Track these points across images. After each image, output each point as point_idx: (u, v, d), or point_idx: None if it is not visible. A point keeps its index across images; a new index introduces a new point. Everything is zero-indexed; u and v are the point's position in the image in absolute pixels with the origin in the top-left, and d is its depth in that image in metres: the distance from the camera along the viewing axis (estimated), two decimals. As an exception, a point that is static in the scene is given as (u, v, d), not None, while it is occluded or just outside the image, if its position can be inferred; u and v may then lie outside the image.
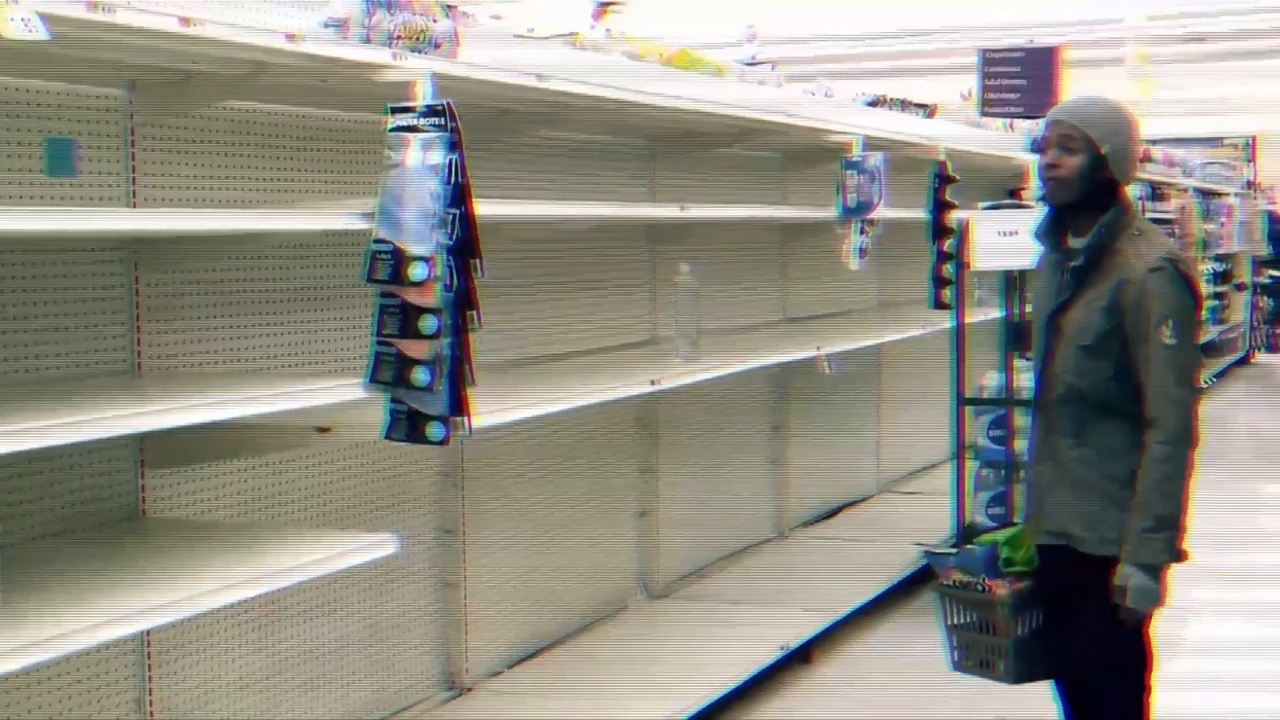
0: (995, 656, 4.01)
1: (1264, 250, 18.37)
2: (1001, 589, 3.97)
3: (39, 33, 2.54)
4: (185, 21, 2.89)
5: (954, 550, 4.33)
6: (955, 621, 4.09)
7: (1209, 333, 15.08)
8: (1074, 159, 3.68)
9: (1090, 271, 3.68)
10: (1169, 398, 3.57)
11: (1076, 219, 3.74)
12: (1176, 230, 13.34)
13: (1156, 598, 3.60)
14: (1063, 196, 3.71)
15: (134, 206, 3.55)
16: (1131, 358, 3.63)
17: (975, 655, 4.05)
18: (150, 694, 3.67)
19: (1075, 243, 3.73)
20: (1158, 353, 3.57)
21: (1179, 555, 3.62)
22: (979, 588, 3.96)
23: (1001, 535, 4.07)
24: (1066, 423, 3.73)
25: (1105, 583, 3.62)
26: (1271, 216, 19.15)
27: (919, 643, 6.02)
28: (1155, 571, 3.58)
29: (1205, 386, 14.32)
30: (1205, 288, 14.65)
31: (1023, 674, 4.01)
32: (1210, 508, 9.36)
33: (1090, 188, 3.68)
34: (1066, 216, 3.77)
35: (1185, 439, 3.59)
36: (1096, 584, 3.65)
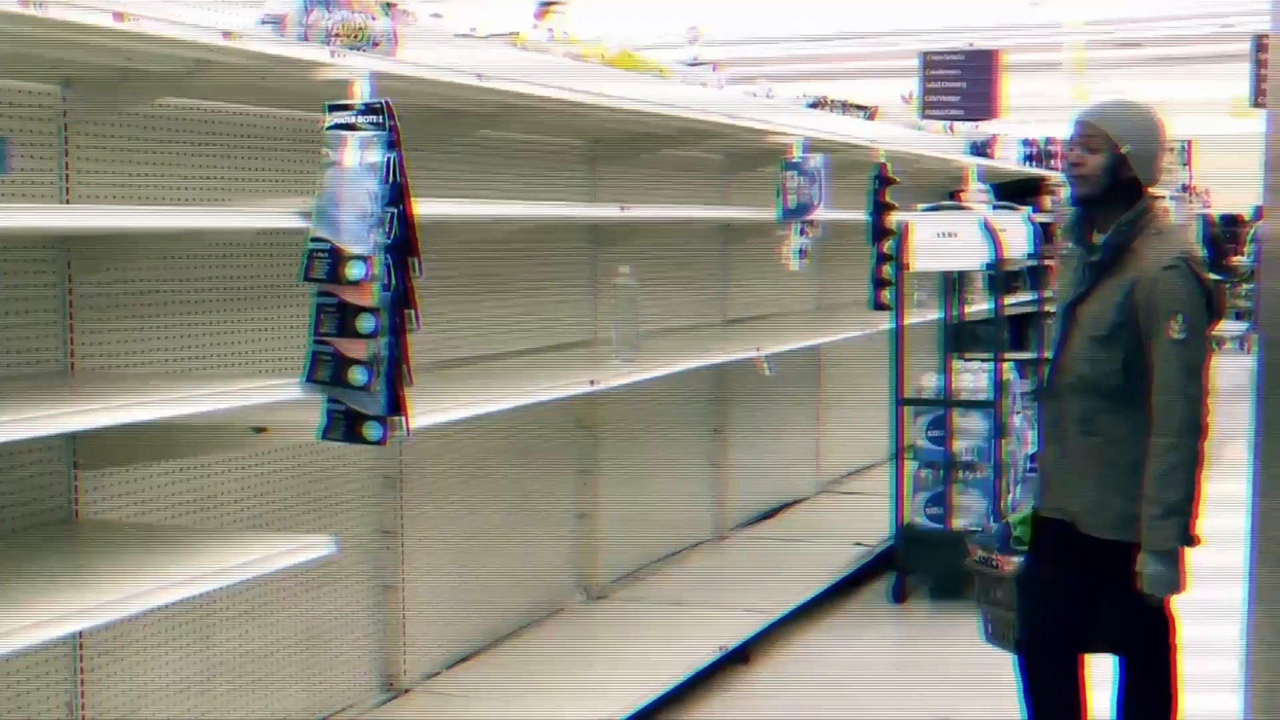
0: (1009, 629, 4.22)
1: (1199, 254, 18.57)
2: (1010, 565, 4.30)
3: (-30, 27, 2.51)
4: (119, 17, 2.86)
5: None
6: (984, 597, 4.38)
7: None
8: (1095, 157, 3.86)
9: (1109, 266, 3.86)
10: (1176, 391, 3.72)
11: (1101, 216, 3.91)
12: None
13: (1173, 582, 3.79)
14: (1085, 192, 3.91)
15: (67, 204, 3.51)
16: (1143, 351, 3.79)
17: (997, 628, 4.32)
18: (82, 696, 3.63)
19: (1098, 239, 3.91)
20: (1166, 347, 3.74)
21: (1191, 540, 3.78)
22: (992, 563, 4.18)
23: (1016, 516, 4.39)
24: (1076, 410, 3.91)
25: (1110, 565, 3.83)
26: (1206, 220, 19.38)
27: (857, 643, 6.06)
28: (1169, 557, 3.76)
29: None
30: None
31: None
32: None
33: (1111, 185, 3.86)
34: (1093, 213, 3.94)
35: (1191, 431, 3.73)
36: (1103, 566, 3.86)
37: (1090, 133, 3.89)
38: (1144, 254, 3.81)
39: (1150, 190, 3.95)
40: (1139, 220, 3.86)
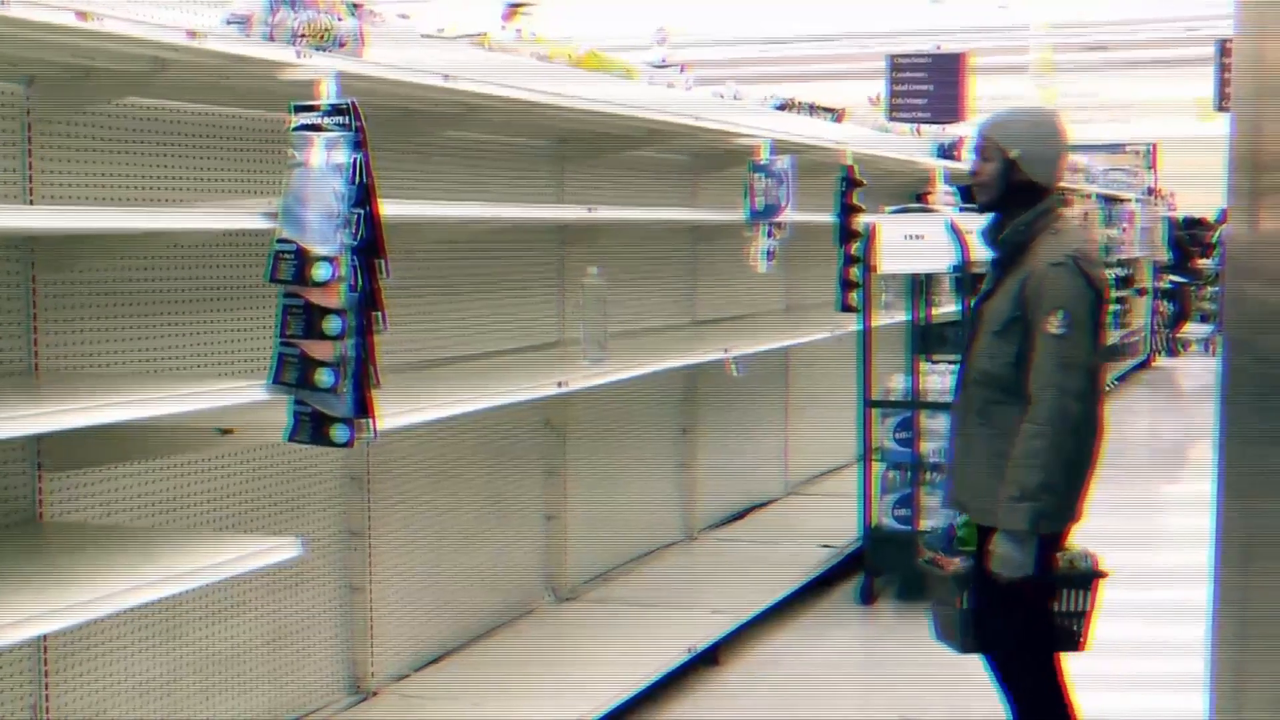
0: (954, 627, 4.27)
1: (1165, 256, 18.69)
2: (952, 565, 4.40)
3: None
4: (83, 16, 2.84)
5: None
6: (931, 595, 4.47)
7: (1109, 337, 15.31)
8: (989, 165, 4.05)
9: (1008, 265, 4.02)
10: (1047, 383, 3.83)
11: (1008, 219, 4.06)
12: (1079, 235, 13.52)
13: (1021, 564, 3.83)
14: (982, 199, 4.10)
15: (31, 204, 3.49)
16: (1030, 345, 3.90)
17: (944, 627, 4.38)
18: (46, 699, 3.61)
19: (1002, 239, 4.09)
20: (1044, 341, 3.85)
21: (1041, 528, 3.82)
22: (937, 564, 4.28)
23: (961, 518, 4.50)
24: (975, 403, 4.05)
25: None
26: (1171, 223, 19.49)
27: (826, 644, 6.07)
28: (1020, 539, 3.82)
29: (1108, 388, 14.53)
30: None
31: (969, 645, 4.28)
32: (1110, 509, 9.53)
33: (1006, 189, 4.03)
34: (1003, 217, 4.09)
35: (1058, 422, 3.80)
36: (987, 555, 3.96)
37: (983, 143, 4.07)
38: (1039, 252, 3.94)
39: (1056, 190, 4.09)
40: (1036, 220, 3.99)
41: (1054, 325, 3.83)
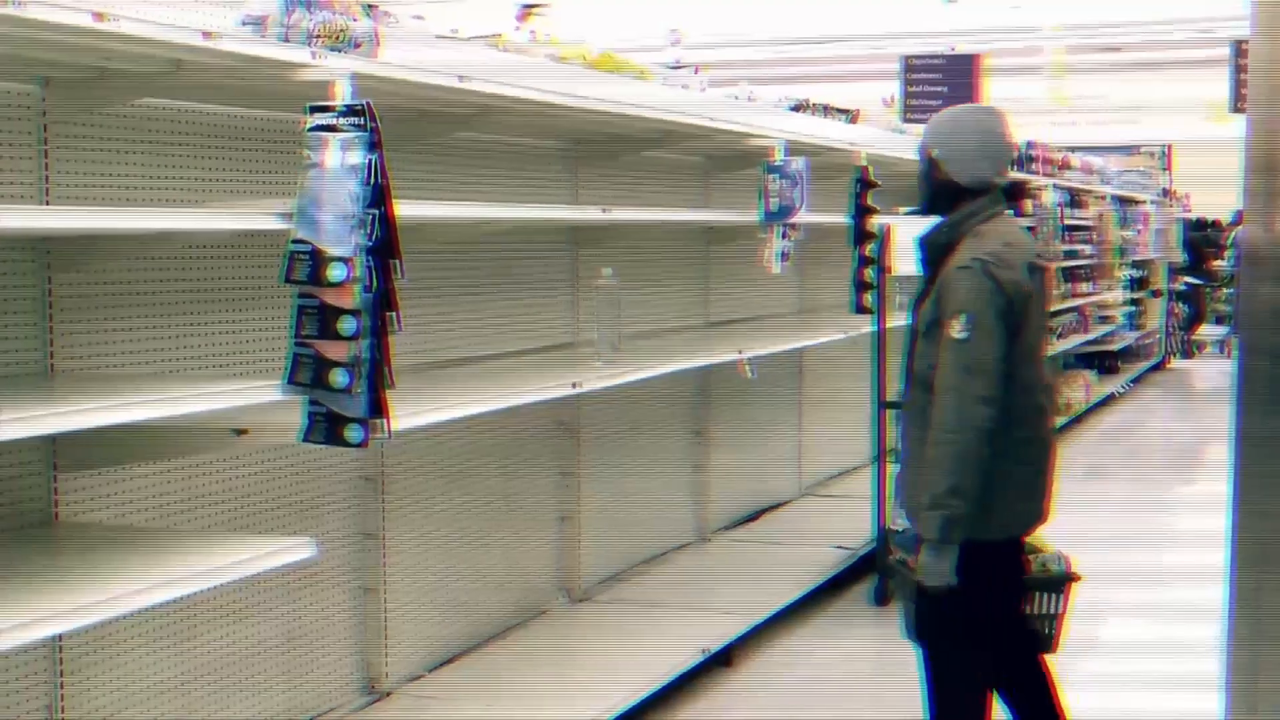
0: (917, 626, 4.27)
1: (1179, 257, 18.65)
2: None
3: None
4: (99, 17, 2.85)
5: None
6: (902, 595, 4.36)
7: (1124, 339, 15.27)
8: (919, 166, 4.10)
9: (935, 266, 3.99)
10: (947, 386, 3.78)
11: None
12: (1094, 236, 13.51)
13: (940, 574, 3.79)
14: (922, 198, 4.11)
15: (47, 204, 3.50)
16: None
17: (909, 625, 4.28)
18: (62, 700, 3.62)
19: (924, 240, 4.10)
20: (947, 344, 3.81)
21: (953, 536, 3.76)
22: (905, 564, 4.25)
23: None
24: (914, 405, 4.00)
25: None
26: (1186, 224, 19.44)
27: (839, 646, 6.06)
28: (936, 548, 3.78)
29: (1121, 392, 14.51)
30: (1119, 294, 14.83)
31: (911, 633, 4.24)
32: (1124, 510, 9.51)
33: (932, 190, 4.05)
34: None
35: (961, 428, 3.74)
36: None
37: (921, 143, 4.09)
38: (957, 252, 3.91)
39: (992, 191, 4.02)
40: (963, 222, 3.96)
41: (955, 329, 3.78)
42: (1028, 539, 4.14)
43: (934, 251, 4.00)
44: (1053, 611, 4.36)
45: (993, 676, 4.09)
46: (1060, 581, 4.35)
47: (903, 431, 4.10)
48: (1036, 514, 4.01)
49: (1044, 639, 4.30)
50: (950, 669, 4.02)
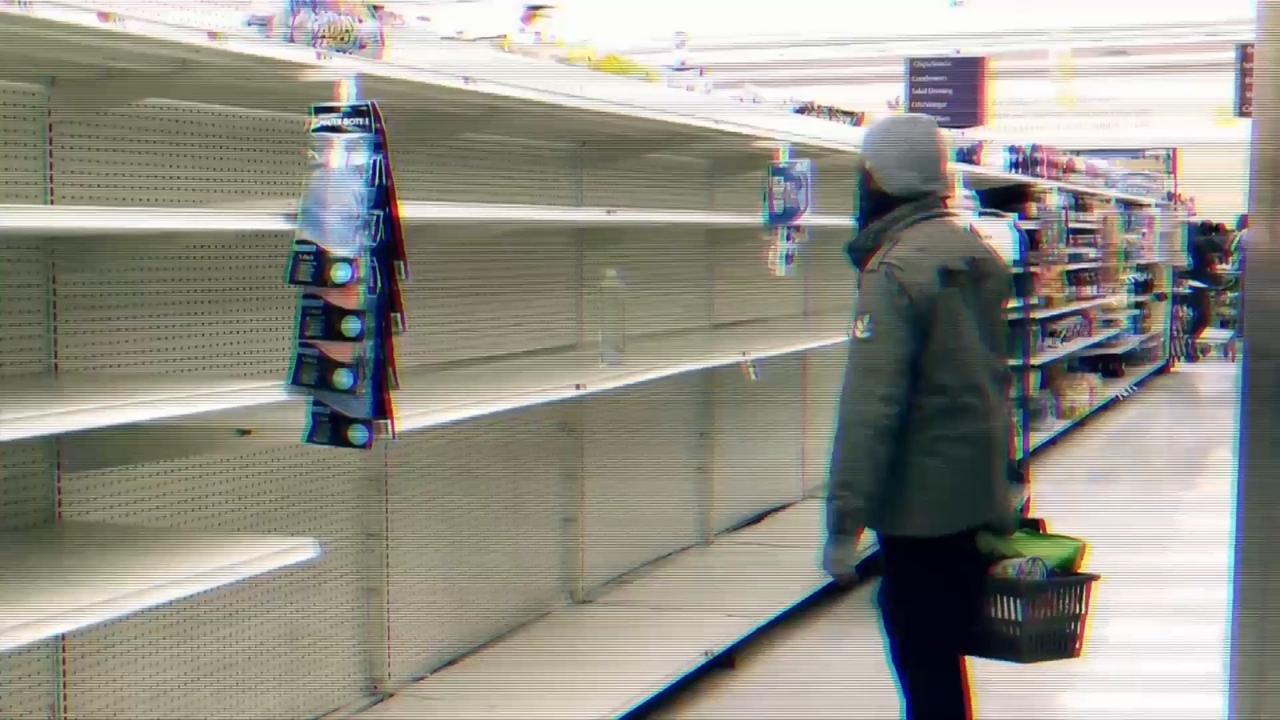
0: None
1: (1184, 261, 18.64)
2: None
3: (-46, 26, 2.50)
4: (105, 16, 2.85)
5: None
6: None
7: (1128, 342, 15.27)
8: (859, 178, 4.22)
9: (861, 270, 4.12)
10: (850, 387, 3.93)
11: None
12: (1099, 240, 13.50)
13: (835, 561, 4.01)
14: (858, 208, 4.24)
15: (51, 204, 3.50)
16: None
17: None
18: (65, 699, 3.62)
19: (847, 246, 4.29)
20: (851, 345, 3.98)
21: (847, 526, 3.96)
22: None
23: None
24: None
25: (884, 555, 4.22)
26: (1191, 228, 19.43)
27: (842, 648, 6.06)
28: (834, 538, 3.99)
29: (1125, 395, 14.50)
30: (1124, 297, 14.82)
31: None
32: (1128, 511, 9.50)
33: (867, 199, 4.19)
34: None
35: (853, 422, 3.89)
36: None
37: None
38: (873, 258, 4.04)
39: (920, 199, 4.11)
40: (886, 229, 4.09)
41: (859, 329, 3.94)
42: (994, 544, 4.19)
43: (857, 255, 4.16)
44: (1016, 618, 4.22)
45: (955, 670, 4.18)
46: (1021, 588, 4.19)
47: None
48: (976, 512, 4.08)
49: (1008, 644, 4.25)
50: (912, 662, 4.17)
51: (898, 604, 4.18)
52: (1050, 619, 4.24)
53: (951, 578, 4.09)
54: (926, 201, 4.11)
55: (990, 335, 4.12)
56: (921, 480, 3.95)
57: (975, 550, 4.17)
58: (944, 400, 3.95)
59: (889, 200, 4.11)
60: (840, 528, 3.94)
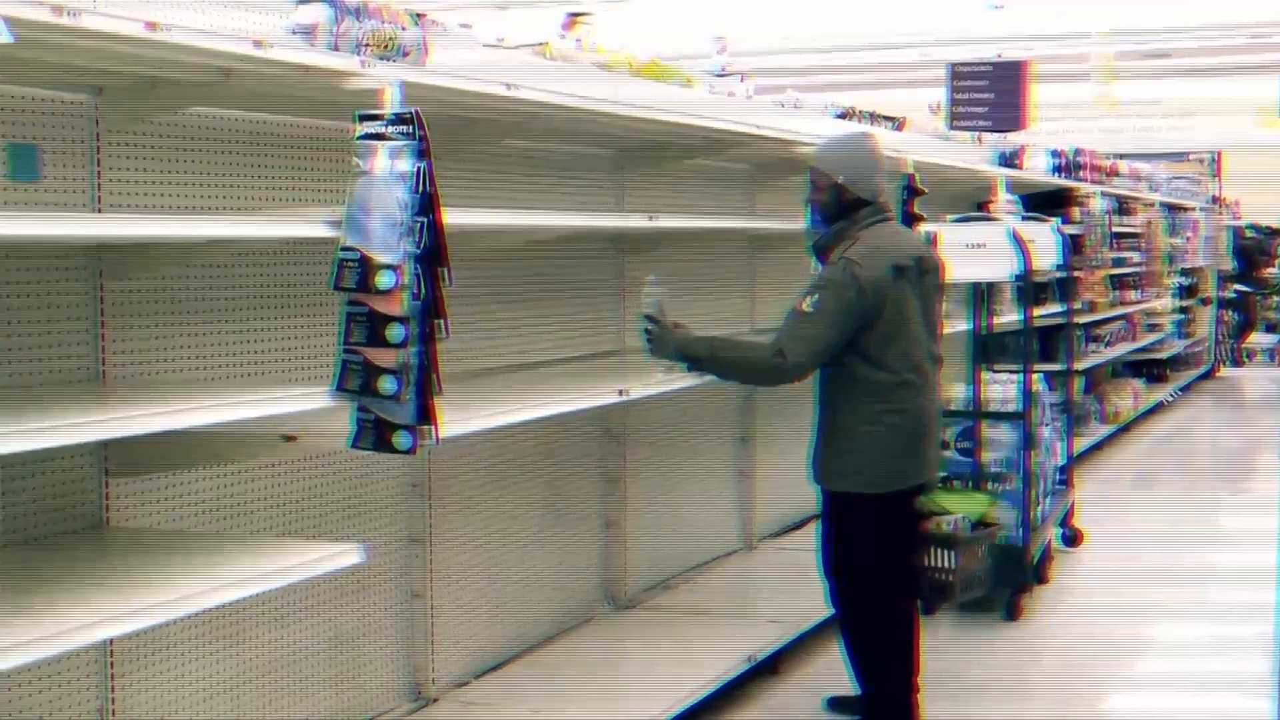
0: None
1: (1229, 265, 18.48)
2: None
3: (3, 36, 2.52)
4: (151, 26, 2.88)
5: None
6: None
7: (1173, 347, 15.16)
8: (821, 193, 4.74)
9: (824, 264, 4.72)
10: (777, 338, 4.55)
11: None
12: (1143, 244, 13.41)
13: (656, 350, 4.74)
14: (824, 216, 4.76)
15: (99, 212, 3.53)
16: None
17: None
18: (113, 703, 3.65)
19: (811, 244, 4.89)
20: (790, 313, 4.56)
21: (674, 359, 4.73)
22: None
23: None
24: (820, 384, 4.73)
25: (835, 510, 4.73)
26: (1236, 231, 19.27)
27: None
28: (670, 354, 4.73)
29: (1169, 400, 14.40)
30: (1168, 301, 14.72)
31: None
32: (1176, 513, 9.44)
33: (839, 207, 4.72)
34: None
35: (763, 361, 4.60)
36: (833, 511, 4.76)
37: (812, 175, 4.79)
38: (833, 254, 4.64)
39: (879, 203, 4.74)
40: (847, 229, 4.68)
41: (805, 304, 4.52)
42: (931, 503, 5.08)
43: (820, 253, 4.77)
44: (949, 566, 5.39)
45: (905, 622, 4.82)
46: (956, 541, 5.50)
47: (820, 408, 4.74)
48: (913, 474, 4.69)
49: (941, 590, 5.21)
50: (855, 613, 4.77)
51: (851, 560, 4.71)
52: (975, 565, 5.37)
53: (893, 532, 4.69)
54: (880, 205, 4.74)
55: (929, 322, 4.75)
56: (866, 444, 4.59)
57: (913, 509, 4.85)
58: (888, 376, 4.58)
59: (851, 206, 4.69)
60: (671, 355, 4.70)
